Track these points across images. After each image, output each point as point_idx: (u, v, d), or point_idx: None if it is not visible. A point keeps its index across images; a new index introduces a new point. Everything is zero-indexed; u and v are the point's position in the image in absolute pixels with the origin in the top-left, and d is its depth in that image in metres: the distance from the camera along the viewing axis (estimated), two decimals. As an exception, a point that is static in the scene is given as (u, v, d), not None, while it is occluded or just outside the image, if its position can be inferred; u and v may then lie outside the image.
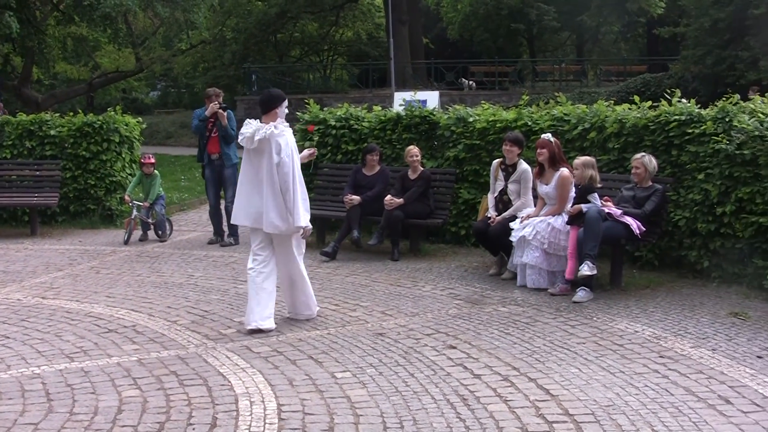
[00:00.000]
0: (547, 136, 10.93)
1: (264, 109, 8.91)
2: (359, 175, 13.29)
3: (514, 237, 10.77)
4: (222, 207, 14.31)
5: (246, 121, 8.95)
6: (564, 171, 10.71)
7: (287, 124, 8.87)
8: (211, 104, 13.93)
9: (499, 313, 9.42)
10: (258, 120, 8.94)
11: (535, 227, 10.58)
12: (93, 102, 44.39)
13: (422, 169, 12.96)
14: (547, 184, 10.83)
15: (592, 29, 49.45)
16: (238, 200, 9.12)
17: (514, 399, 6.66)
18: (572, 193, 10.64)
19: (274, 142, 8.62)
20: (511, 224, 10.91)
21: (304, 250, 9.31)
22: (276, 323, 8.99)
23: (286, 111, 8.99)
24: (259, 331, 8.70)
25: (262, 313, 8.77)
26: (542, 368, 7.41)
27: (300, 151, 9.38)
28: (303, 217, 8.75)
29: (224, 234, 14.33)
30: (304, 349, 8.09)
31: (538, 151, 10.90)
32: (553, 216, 10.66)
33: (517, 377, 7.18)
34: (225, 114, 13.91)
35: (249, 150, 8.82)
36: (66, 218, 16.40)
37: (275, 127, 8.69)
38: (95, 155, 16.25)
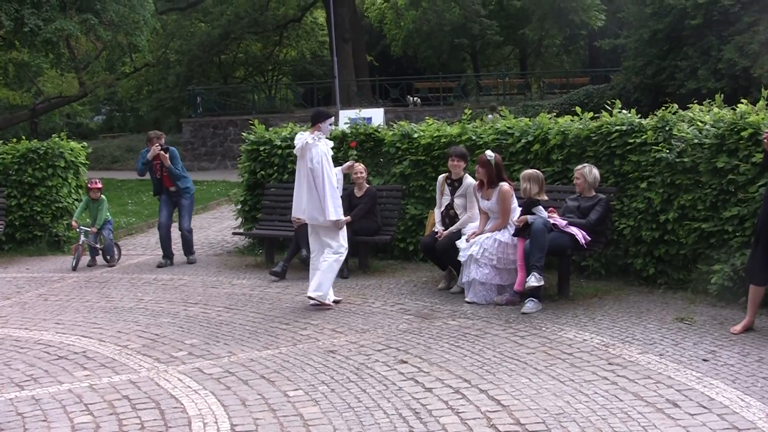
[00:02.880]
0: (488, 154, 10.91)
1: (311, 123, 10.72)
2: (305, 194, 13.31)
3: (462, 256, 10.84)
4: (180, 232, 14.53)
5: (298, 134, 10.81)
6: (503, 186, 10.78)
7: (322, 136, 10.53)
8: (153, 147, 14.17)
9: (449, 326, 9.48)
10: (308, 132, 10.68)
11: (482, 245, 10.65)
12: (37, 128, 43.97)
13: (368, 186, 13.01)
14: (488, 200, 10.92)
15: (535, 43, 49.91)
16: (296, 197, 10.80)
17: (466, 411, 6.70)
18: (515, 205, 10.75)
19: (308, 151, 10.43)
20: (458, 242, 10.96)
21: (340, 243, 10.81)
22: (226, 344, 9.03)
23: (331, 127, 10.96)
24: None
25: (329, 287, 10.66)
26: (493, 379, 7.46)
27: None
28: (332, 213, 10.43)
29: (171, 256, 14.35)
30: (256, 369, 8.09)
31: (477, 168, 10.99)
32: (500, 230, 10.75)
33: (468, 389, 7.23)
34: (167, 155, 14.14)
35: (298, 156, 10.65)
36: (12, 246, 16.27)
37: (313, 138, 10.44)
38: (40, 181, 16.16)
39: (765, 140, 8.60)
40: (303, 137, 10.59)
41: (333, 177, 10.55)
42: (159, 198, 14.67)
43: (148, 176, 14.64)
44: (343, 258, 10.91)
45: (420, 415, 6.67)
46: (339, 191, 10.99)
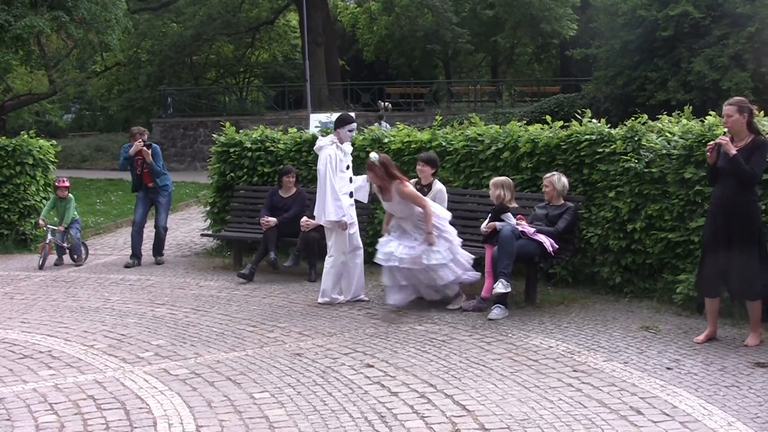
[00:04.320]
0: (372, 156, 10.76)
1: (334, 127, 11.27)
2: (275, 197, 13.31)
3: (383, 260, 10.66)
4: (156, 229, 14.57)
5: (319, 137, 11.68)
6: (397, 184, 10.58)
7: (333, 141, 10.99)
8: (135, 143, 14.21)
9: (415, 331, 9.50)
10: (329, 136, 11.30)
11: (398, 250, 10.51)
12: (5, 125, 43.71)
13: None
14: (389, 201, 10.76)
15: (507, 51, 50.07)
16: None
17: (431, 415, 6.73)
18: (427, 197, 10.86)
19: (319, 155, 11.00)
20: (382, 246, 10.79)
21: (355, 245, 11.22)
22: (193, 345, 9.04)
23: (350, 133, 11.26)
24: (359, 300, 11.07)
25: (333, 289, 11.05)
26: (459, 385, 7.50)
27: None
28: (331, 213, 10.79)
29: (140, 257, 14.31)
30: (222, 371, 8.09)
31: (367, 173, 10.93)
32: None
33: (433, 394, 7.26)
34: (149, 152, 14.19)
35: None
36: (-22, 243, 16.15)
37: (324, 143, 11.04)
38: (8, 179, 16.04)
39: (708, 153, 8.69)
40: (319, 141, 11.23)
41: (330, 179, 10.83)
42: (137, 194, 14.63)
43: (120, 175, 14.65)
44: (338, 263, 11.07)
45: (386, 419, 6.69)
46: (365, 198, 11.44)
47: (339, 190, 10.87)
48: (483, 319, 9.93)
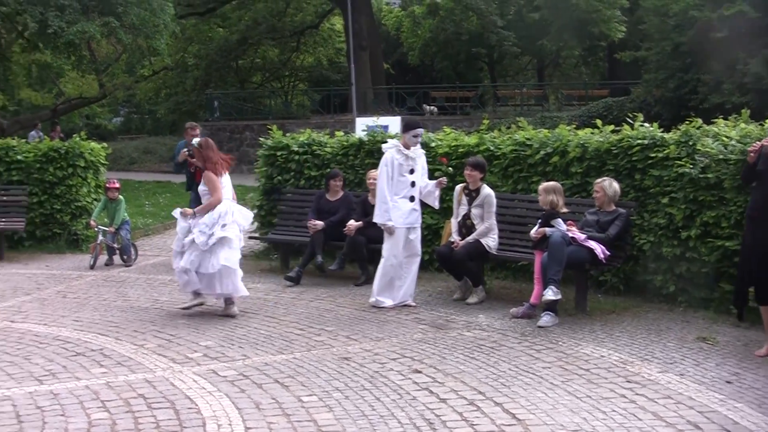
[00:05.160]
0: (195, 141, 11.49)
1: (401, 131, 11.51)
2: (322, 201, 13.30)
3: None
4: None
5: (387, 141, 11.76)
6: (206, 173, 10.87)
7: (395, 146, 11.16)
8: (182, 152, 14.24)
9: (464, 337, 9.44)
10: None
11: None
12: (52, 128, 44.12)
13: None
14: (200, 183, 11.04)
15: (553, 53, 49.71)
16: None
17: (481, 423, 6.68)
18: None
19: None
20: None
21: (413, 251, 11.23)
22: (241, 347, 9.05)
23: (415, 139, 11.20)
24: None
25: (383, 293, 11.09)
26: (508, 392, 7.44)
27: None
28: (378, 215, 11.10)
29: None
30: (270, 373, 8.09)
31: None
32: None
33: (483, 401, 7.21)
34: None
35: None
36: (32, 243, 16.30)
37: (391, 148, 11.12)
38: (61, 180, 16.22)
39: (751, 153, 8.58)
40: (385, 144, 11.43)
41: (384, 182, 11.03)
42: (190, 195, 14.66)
43: (168, 177, 14.70)
44: (388, 265, 11.12)
45: (434, 425, 6.66)
46: (436, 203, 11.48)
47: (396, 194, 10.95)
48: (532, 327, 9.85)
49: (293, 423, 6.73)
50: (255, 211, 15.22)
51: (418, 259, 11.30)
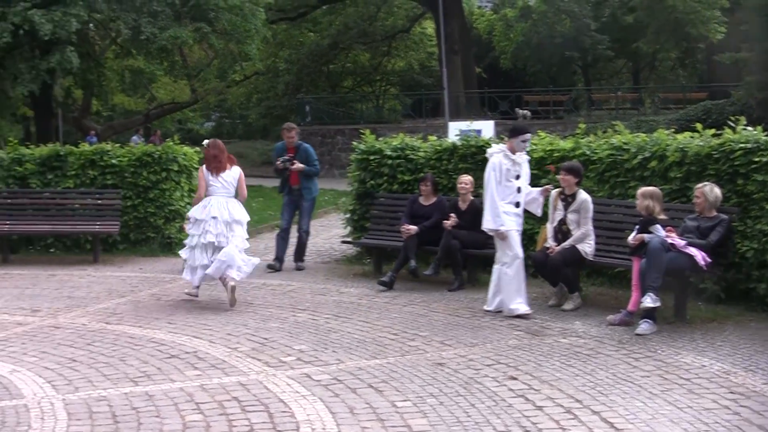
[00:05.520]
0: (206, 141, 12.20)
1: (508, 136, 11.18)
2: (416, 205, 13.24)
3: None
4: (296, 234, 14.64)
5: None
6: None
7: (501, 150, 10.97)
8: (277, 163, 14.36)
9: (560, 344, 9.32)
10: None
11: None
12: (150, 133, 44.87)
13: (472, 198, 12.86)
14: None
15: (648, 56, 49.06)
16: None
17: None
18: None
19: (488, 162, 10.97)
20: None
21: (513, 253, 10.86)
22: (334, 351, 9.06)
23: (524, 144, 11.08)
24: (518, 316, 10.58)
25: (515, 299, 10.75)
26: (606, 401, 7.31)
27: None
28: (488, 221, 10.84)
29: (283, 261, 14.43)
30: (364, 378, 8.07)
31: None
32: None
33: (580, 410, 7.11)
34: (294, 168, 14.30)
35: None
36: (127, 246, 16.50)
37: (498, 152, 10.93)
38: (154, 184, 16.38)
39: None
40: (490, 149, 11.30)
41: (492, 188, 10.80)
42: (284, 199, 14.79)
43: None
44: (514, 269, 10.87)
45: (531, 433, 6.55)
46: (538, 210, 11.36)
47: (502, 199, 10.80)
48: (630, 334, 9.66)
49: (387, 428, 6.72)
50: (348, 215, 15.27)
51: (518, 262, 11.00)
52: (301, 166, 14.25)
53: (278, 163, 14.26)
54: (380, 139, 15.52)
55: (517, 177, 10.93)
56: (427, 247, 12.91)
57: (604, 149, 12.53)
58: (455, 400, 7.39)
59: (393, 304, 11.62)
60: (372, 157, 14.87)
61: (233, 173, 12.24)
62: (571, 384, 7.81)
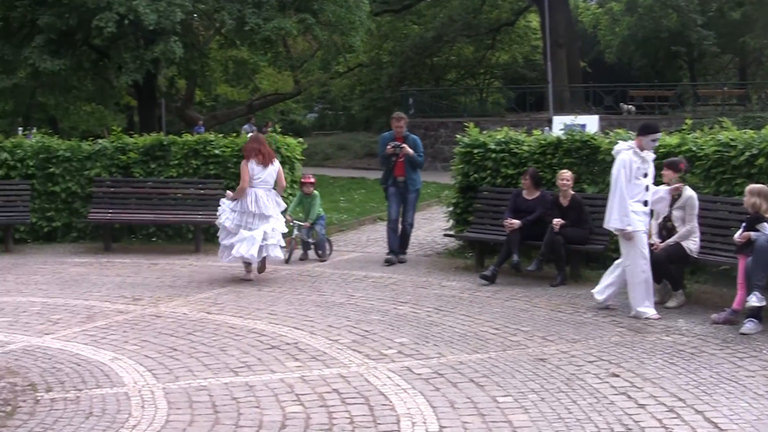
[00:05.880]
0: (245, 128, 12.35)
1: (637, 134, 10.91)
2: (519, 199, 13.20)
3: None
4: (402, 225, 14.64)
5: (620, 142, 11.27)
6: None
7: (630, 147, 10.63)
8: (387, 147, 14.36)
9: (663, 342, 9.23)
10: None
11: None
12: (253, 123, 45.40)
13: (573, 194, 12.77)
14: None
15: (756, 51, 48.11)
16: None
17: (681, 431, 6.52)
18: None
19: (615, 159, 10.70)
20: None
21: (638, 254, 10.57)
22: (436, 345, 9.07)
23: (653, 143, 10.85)
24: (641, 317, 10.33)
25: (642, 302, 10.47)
26: (709, 400, 7.23)
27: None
28: (614, 221, 10.55)
29: (397, 254, 14.46)
30: (465, 372, 8.09)
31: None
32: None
33: (683, 409, 7.04)
34: (402, 153, 14.32)
35: None
36: (228, 236, 16.64)
37: (626, 149, 10.64)
38: (257, 175, 16.41)
39: None
40: (617, 145, 10.94)
41: (621, 185, 10.50)
42: (384, 188, 14.79)
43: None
44: (638, 272, 10.55)
45: (632, 431, 6.49)
46: (666, 209, 11.08)
47: (631, 198, 10.55)
48: (734, 333, 9.52)
49: (488, 423, 6.72)
50: (450, 208, 15.26)
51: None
52: (410, 151, 14.27)
53: (389, 147, 14.29)
54: (484, 132, 15.48)
55: (645, 175, 10.70)
56: (529, 241, 12.88)
57: (711, 146, 12.36)
58: (556, 396, 7.37)
59: (495, 298, 11.61)
60: (476, 151, 14.83)
61: (275, 167, 13.18)
62: (673, 382, 7.74)
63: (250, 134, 16.10)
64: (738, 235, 10.16)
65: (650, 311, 10.43)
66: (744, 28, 43.24)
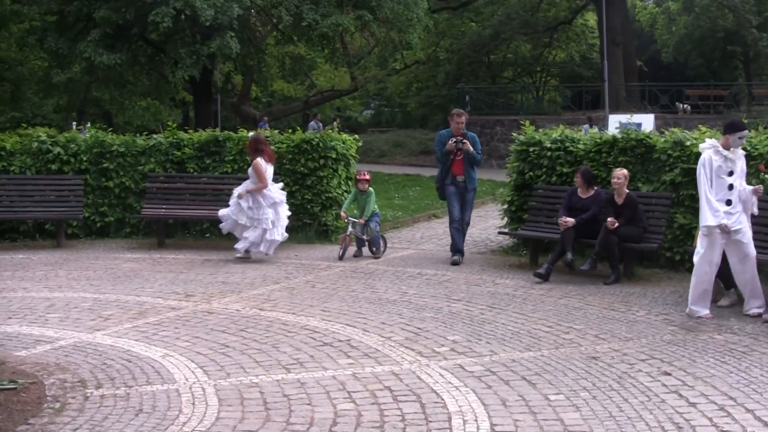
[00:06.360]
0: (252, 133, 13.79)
1: (723, 132, 10.73)
2: (574, 198, 13.18)
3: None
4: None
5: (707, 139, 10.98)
6: (256, 159, 14.41)
7: (713, 146, 10.43)
8: (449, 142, 14.27)
9: (714, 341, 9.19)
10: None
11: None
12: (308, 119, 45.57)
13: (627, 191, 12.73)
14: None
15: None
16: None
17: (732, 430, 6.51)
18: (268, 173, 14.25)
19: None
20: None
21: (744, 252, 10.41)
22: (488, 342, 9.10)
23: (740, 141, 10.51)
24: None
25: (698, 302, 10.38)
26: (760, 399, 7.20)
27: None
28: (707, 220, 10.22)
29: (463, 254, 14.39)
30: (517, 370, 8.10)
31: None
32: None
33: (733, 407, 7.01)
34: (463, 147, 14.24)
35: None
36: (282, 232, 16.76)
37: (708, 148, 10.48)
38: (312, 171, 16.53)
39: None
40: (702, 144, 10.79)
41: (703, 184, 10.34)
42: (438, 187, 14.78)
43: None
44: (702, 273, 10.35)
45: (683, 430, 6.52)
46: (754, 209, 10.67)
47: (714, 196, 10.33)
48: (788, 332, 9.45)
49: (539, 421, 6.72)
50: (505, 206, 15.26)
51: (749, 262, 10.50)
52: (471, 147, 14.28)
53: (451, 142, 14.25)
54: (540, 130, 15.46)
55: (730, 174, 10.43)
56: (583, 239, 12.87)
57: (765, 144, 12.28)
58: (608, 394, 7.36)
59: (548, 296, 11.60)
60: (531, 149, 14.82)
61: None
62: (725, 381, 7.71)
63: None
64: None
65: (703, 311, 10.35)
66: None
